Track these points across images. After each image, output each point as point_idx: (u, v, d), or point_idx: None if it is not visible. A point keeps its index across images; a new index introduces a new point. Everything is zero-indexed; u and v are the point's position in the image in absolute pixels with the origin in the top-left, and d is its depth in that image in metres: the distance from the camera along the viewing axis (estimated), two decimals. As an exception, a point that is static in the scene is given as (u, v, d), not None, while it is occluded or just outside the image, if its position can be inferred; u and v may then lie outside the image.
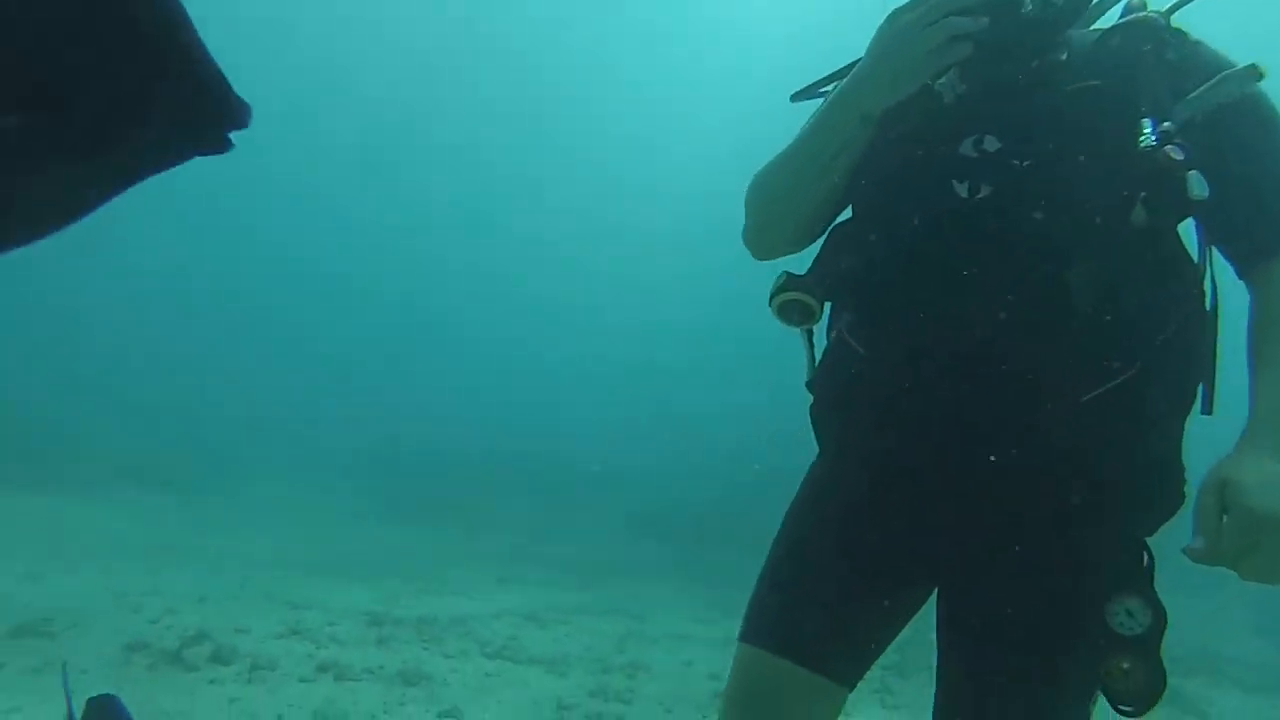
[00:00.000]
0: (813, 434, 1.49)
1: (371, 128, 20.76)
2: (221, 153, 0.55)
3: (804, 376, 1.49)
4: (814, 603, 1.38)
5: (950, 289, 1.22)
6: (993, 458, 1.22)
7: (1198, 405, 1.25)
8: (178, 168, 0.57)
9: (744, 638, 1.43)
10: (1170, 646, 1.31)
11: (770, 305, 1.31)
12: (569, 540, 8.13)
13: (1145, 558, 1.24)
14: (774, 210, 1.45)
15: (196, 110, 0.53)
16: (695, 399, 14.80)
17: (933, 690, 1.35)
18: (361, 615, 4.43)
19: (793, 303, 1.30)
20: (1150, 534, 1.29)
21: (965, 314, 1.21)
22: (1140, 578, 1.22)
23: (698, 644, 5.01)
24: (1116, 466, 1.23)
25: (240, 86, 0.55)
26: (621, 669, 4.27)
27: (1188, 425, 1.29)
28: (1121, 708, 1.19)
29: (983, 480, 1.24)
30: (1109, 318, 1.16)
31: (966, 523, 1.29)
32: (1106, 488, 1.24)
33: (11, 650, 3.37)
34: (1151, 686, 1.18)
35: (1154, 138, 1.11)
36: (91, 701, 1.08)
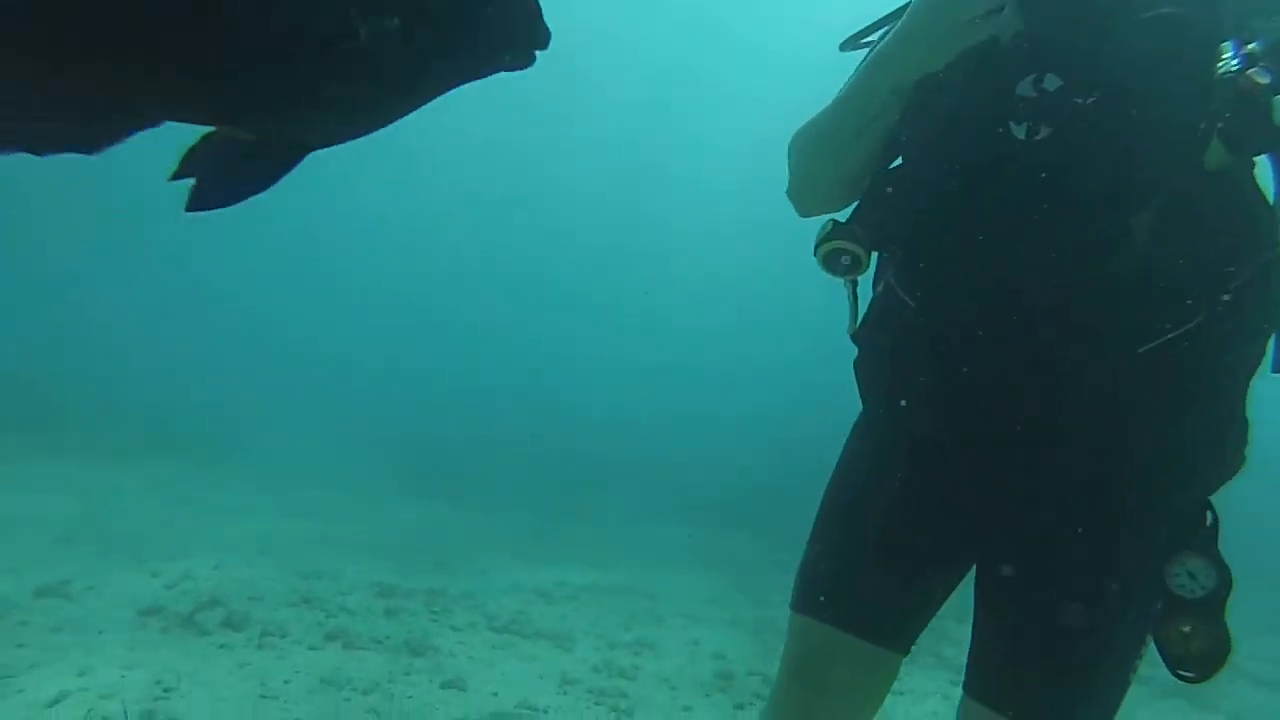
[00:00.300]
0: (857, 390, 1.46)
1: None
2: (525, 68, 0.62)
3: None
4: (866, 571, 1.37)
5: (1005, 236, 1.16)
6: (1048, 411, 1.17)
7: (1268, 362, 1.18)
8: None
9: (797, 607, 1.43)
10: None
11: (815, 254, 1.28)
12: (586, 522, 8.18)
13: (1209, 517, 1.20)
14: (812, 169, 1.41)
15: (517, 29, 0.61)
16: (716, 393, 14.80)
17: (936, 676, 1.36)
18: (373, 586, 4.50)
19: (838, 252, 1.26)
20: (1210, 493, 1.23)
21: (1021, 262, 1.15)
22: (1203, 537, 1.17)
23: (707, 624, 5.03)
24: (1177, 422, 1.16)
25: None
26: (628, 646, 4.30)
27: (1256, 383, 1.22)
28: (1181, 673, 1.15)
29: (1038, 435, 1.19)
30: (1174, 265, 1.09)
31: (1021, 480, 1.25)
32: (1167, 444, 1.18)
33: (34, 609, 3.47)
34: (1214, 651, 1.13)
35: (1236, 62, 1.00)
36: None
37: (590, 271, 20.64)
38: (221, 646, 3.31)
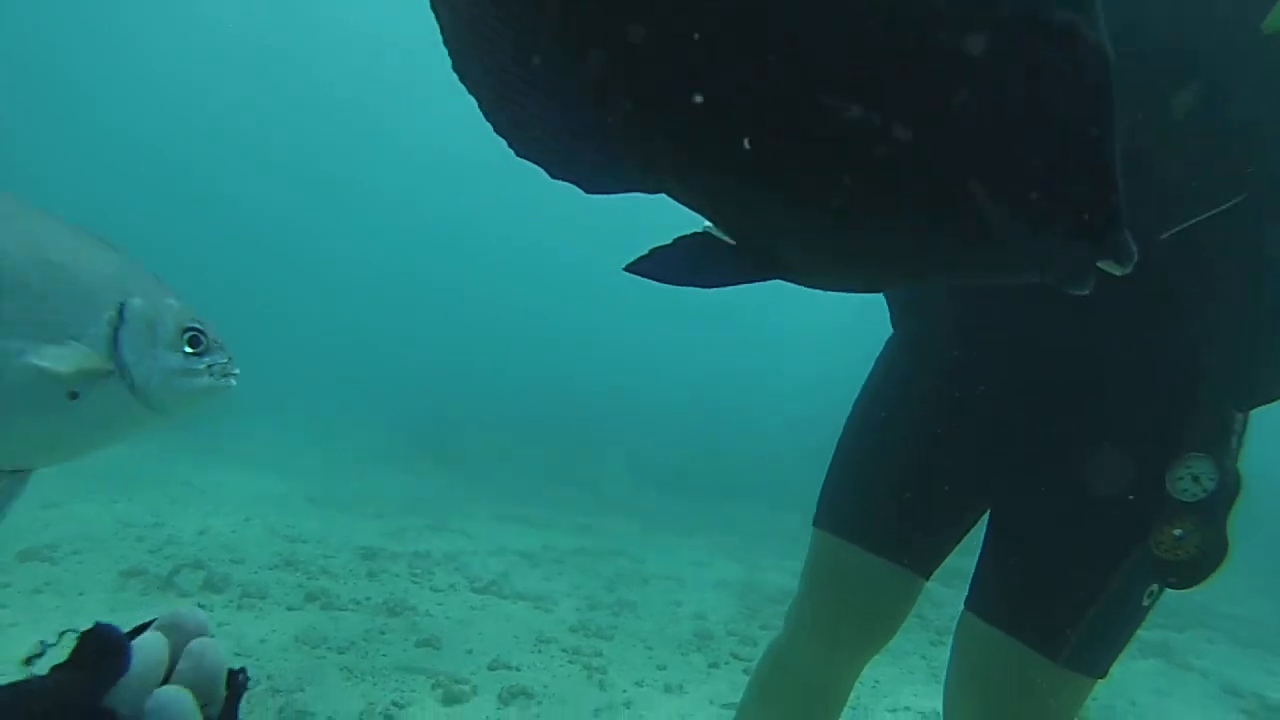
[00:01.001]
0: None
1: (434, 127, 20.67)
2: (1079, 290, 0.50)
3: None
4: (889, 491, 1.40)
5: None
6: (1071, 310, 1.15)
7: None
8: None
9: (819, 523, 1.49)
10: (1167, 602, 1.28)
11: None
12: (578, 489, 8.24)
13: (1236, 421, 1.14)
14: None
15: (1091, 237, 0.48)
16: (713, 361, 14.80)
17: (917, 637, 1.40)
18: (357, 550, 4.55)
19: None
20: (1243, 406, 1.16)
21: None
22: (1217, 440, 1.12)
23: (690, 586, 5.08)
24: (1209, 313, 1.10)
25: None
26: (609, 607, 4.35)
27: None
28: (1168, 579, 1.13)
29: (1061, 325, 1.16)
30: (1213, 133, 1.02)
31: (1044, 376, 1.24)
32: (1197, 340, 1.12)
33: (17, 571, 3.53)
34: (1206, 554, 1.09)
35: None
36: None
37: (581, 242, 20.57)
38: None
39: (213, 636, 0.47)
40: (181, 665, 0.45)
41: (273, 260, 19.00)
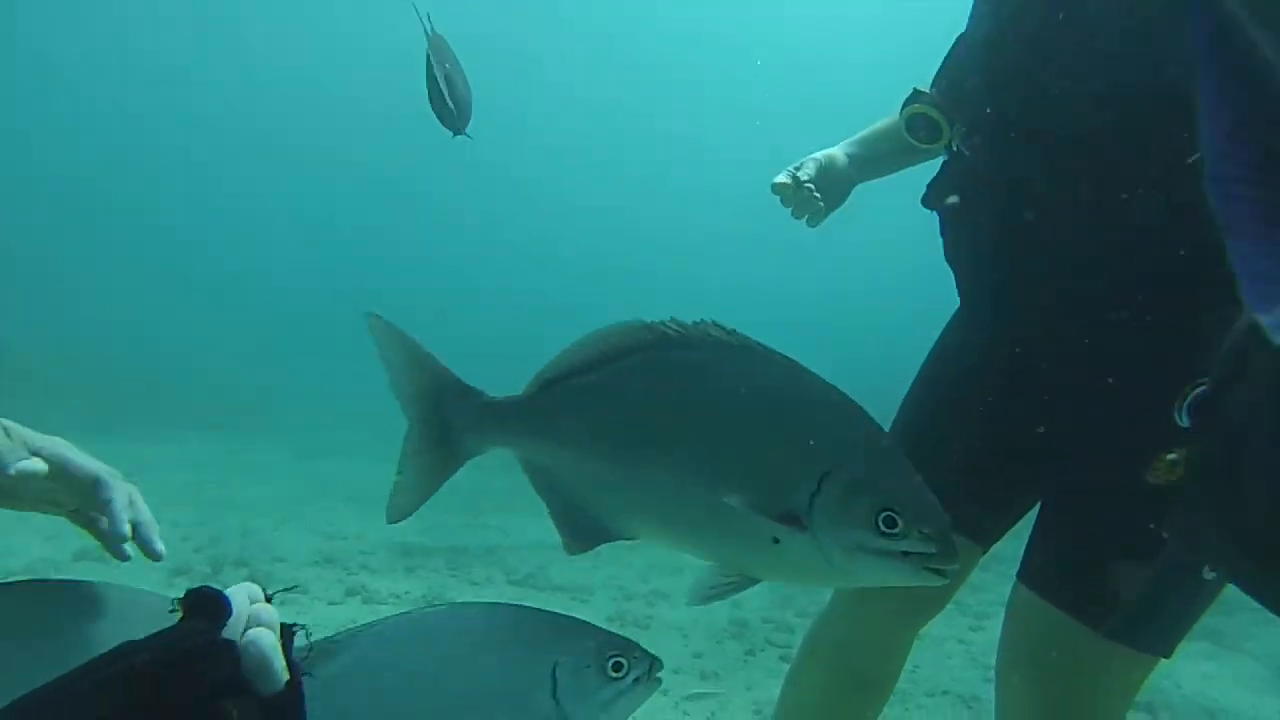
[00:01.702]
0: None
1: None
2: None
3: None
4: (953, 470, 1.37)
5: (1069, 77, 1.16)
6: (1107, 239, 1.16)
7: None
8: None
9: None
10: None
11: (900, 117, 1.39)
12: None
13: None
14: None
15: None
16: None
17: (956, 622, 1.41)
18: (395, 546, 4.63)
19: (919, 116, 1.34)
20: None
21: (1081, 94, 1.14)
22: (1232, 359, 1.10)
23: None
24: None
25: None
26: (643, 597, 4.38)
27: None
28: (1170, 521, 1.06)
29: (1117, 299, 1.17)
30: None
31: (1102, 353, 1.23)
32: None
33: (72, 571, 3.65)
34: (1195, 475, 1.05)
35: None
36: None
37: (588, 224, 20.55)
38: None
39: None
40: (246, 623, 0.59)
41: (287, 252, 19.26)
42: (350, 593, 3.70)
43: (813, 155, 1.64)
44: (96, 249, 15.57)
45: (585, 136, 20.64)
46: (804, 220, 1.51)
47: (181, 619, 0.57)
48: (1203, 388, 1.05)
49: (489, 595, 4.01)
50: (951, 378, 1.47)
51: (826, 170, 1.57)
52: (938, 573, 0.88)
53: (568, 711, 0.89)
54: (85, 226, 16.43)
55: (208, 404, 8.72)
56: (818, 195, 1.45)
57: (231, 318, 14.22)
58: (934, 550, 0.87)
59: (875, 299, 17.96)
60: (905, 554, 0.87)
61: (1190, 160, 1.07)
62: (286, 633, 0.60)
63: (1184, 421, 1.03)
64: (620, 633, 3.59)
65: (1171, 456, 1.03)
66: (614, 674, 0.93)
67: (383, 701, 0.84)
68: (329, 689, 0.81)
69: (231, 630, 0.56)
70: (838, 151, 1.63)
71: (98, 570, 3.72)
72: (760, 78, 18.74)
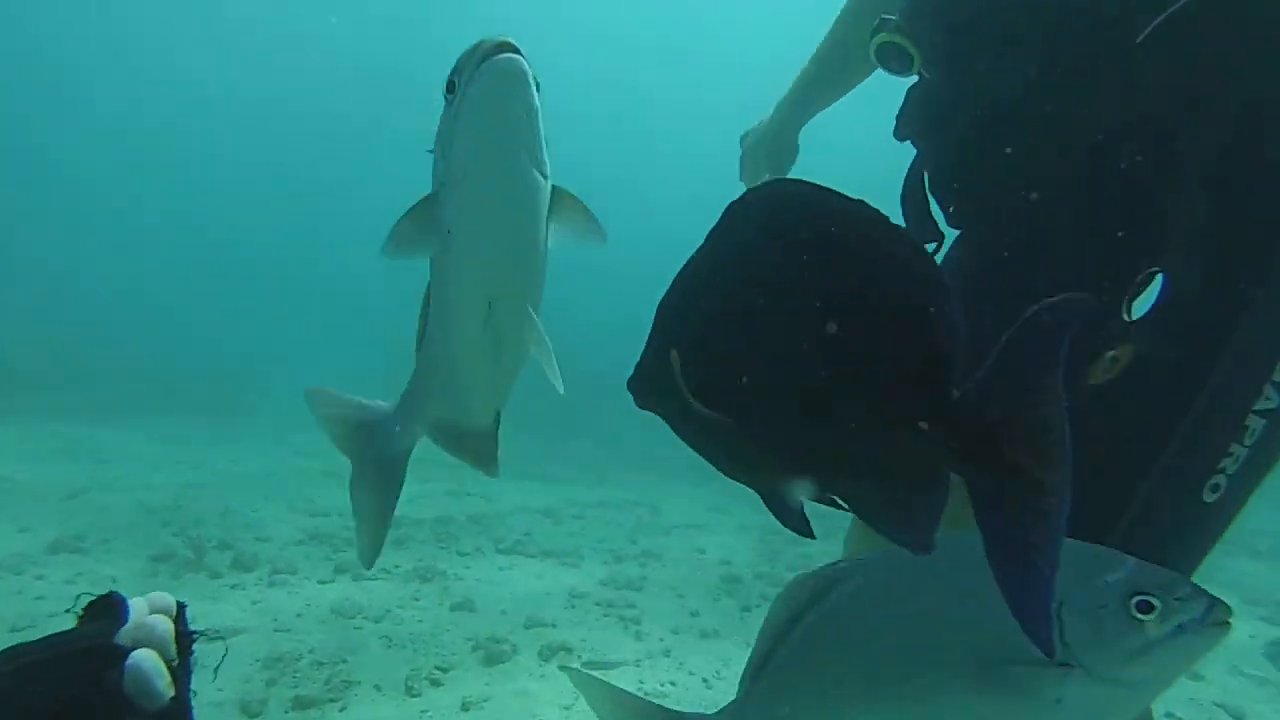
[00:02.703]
0: None
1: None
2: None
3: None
4: None
5: None
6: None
7: None
8: None
9: None
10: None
11: (868, 49, 1.34)
12: (594, 441, 8.26)
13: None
14: None
15: None
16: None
17: None
18: (381, 519, 4.57)
19: (888, 46, 1.30)
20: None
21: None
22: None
23: (711, 532, 5.13)
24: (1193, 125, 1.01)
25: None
26: (634, 558, 4.39)
27: None
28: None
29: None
30: None
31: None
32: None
33: (49, 564, 3.54)
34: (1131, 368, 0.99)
35: None
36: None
37: (588, 185, 20.32)
38: (233, 587, 3.38)
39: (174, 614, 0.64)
40: (136, 634, 0.61)
41: (262, 229, 18.81)
42: (340, 570, 3.64)
43: (755, 145, 1.66)
44: (68, 230, 15.04)
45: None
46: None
47: (80, 623, 0.60)
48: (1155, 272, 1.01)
49: (480, 564, 3.99)
50: None
51: (776, 151, 1.63)
52: (1223, 623, 0.79)
53: (1082, 660, 0.76)
54: (61, 209, 15.86)
55: (181, 384, 8.52)
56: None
57: (204, 292, 13.87)
58: (1203, 605, 0.78)
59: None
60: (1179, 628, 0.77)
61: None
62: (183, 640, 0.63)
63: (1129, 315, 1.01)
64: (616, 595, 3.57)
65: (1111, 354, 1.00)
66: (1141, 615, 0.77)
67: (879, 633, 0.84)
68: (834, 616, 0.84)
69: (126, 636, 0.59)
70: (773, 124, 1.66)
71: (75, 561, 3.63)
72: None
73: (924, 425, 0.57)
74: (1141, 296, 1.04)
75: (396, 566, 3.78)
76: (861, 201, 0.59)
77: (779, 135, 1.71)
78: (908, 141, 1.42)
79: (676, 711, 1.02)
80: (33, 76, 17.85)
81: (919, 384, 0.57)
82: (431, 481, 5.83)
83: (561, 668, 1.03)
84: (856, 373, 0.58)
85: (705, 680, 2.99)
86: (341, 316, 14.04)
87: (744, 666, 1.01)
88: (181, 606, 0.65)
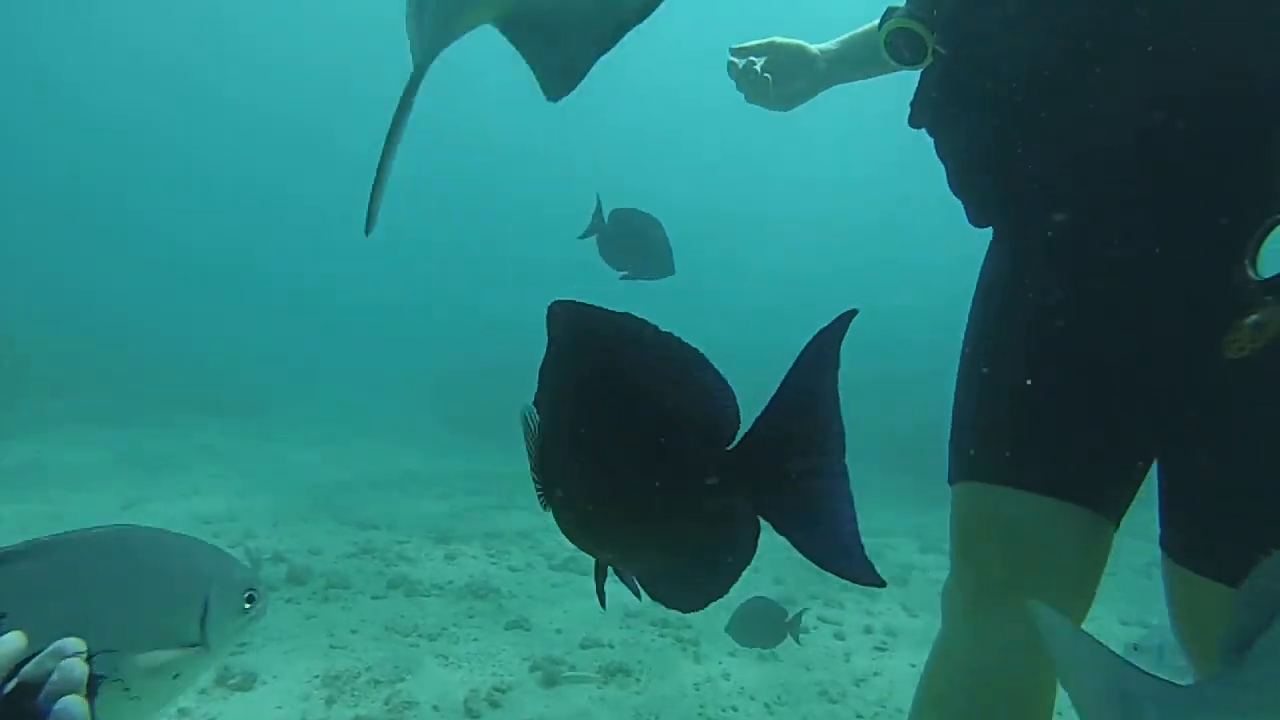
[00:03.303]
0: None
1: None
2: None
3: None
4: (1066, 427, 1.17)
5: None
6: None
7: None
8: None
9: (967, 475, 1.23)
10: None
11: (879, 37, 1.24)
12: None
13: None
14: None
15: None
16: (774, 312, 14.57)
17: None
18: (429, 533, 4.54)
19: (899, 32, 1.20)
20: None
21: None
22: None
23: (763, 550, 4.98)
24: None
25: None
26: (686, 577, 4.30)
27: None
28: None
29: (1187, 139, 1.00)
30: None
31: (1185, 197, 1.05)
32: None
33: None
34: None
35: None
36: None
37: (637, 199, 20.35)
38: (288, 601, 3.36)
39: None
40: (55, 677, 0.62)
41: (311, 239, 19.13)
42: (392, 585, 3.61)
43: (774, 38, 1.54)
44: (109, 245, 15.42)
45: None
46: (766, 106, 1.52)
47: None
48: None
49: (532, 580, 3.93)
50: (1014, 318, 1.24)
51: (785, 54, 1.52)
52: None
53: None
54: (100, 226, 16.29)
55: (224, 392, 8.63)
56: (767, 75, 1.47)
57: (251, 303, 14.10)
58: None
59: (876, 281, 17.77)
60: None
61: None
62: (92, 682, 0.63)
63: (1256, 272, 0.89)
64: (671, 615, 3.49)
65: (1253, 318, 0.89)
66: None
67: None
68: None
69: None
70: (810, 45, 1.54)
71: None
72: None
73: (713, 480, 0.69)
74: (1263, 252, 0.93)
75: (450, 582, 3.74)
76: (633, 318, 0.70)
77: (807, 74, 1.53)
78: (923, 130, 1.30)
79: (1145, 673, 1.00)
80: (22, 78, 18.22)
81: (699, 451, 0.69)
82: (478, 494, 5.80)
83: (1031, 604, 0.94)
84: (649, 456, 0.69)
85: (768, 705, 2.89)
86: (386, 328, 14.15)
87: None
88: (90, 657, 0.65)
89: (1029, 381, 1.20)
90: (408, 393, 10.05)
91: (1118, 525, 1.21)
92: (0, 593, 0.91)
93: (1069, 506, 1.16)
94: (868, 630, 3.77)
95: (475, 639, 3.14)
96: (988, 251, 1.35)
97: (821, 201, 19.30)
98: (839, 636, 3.69)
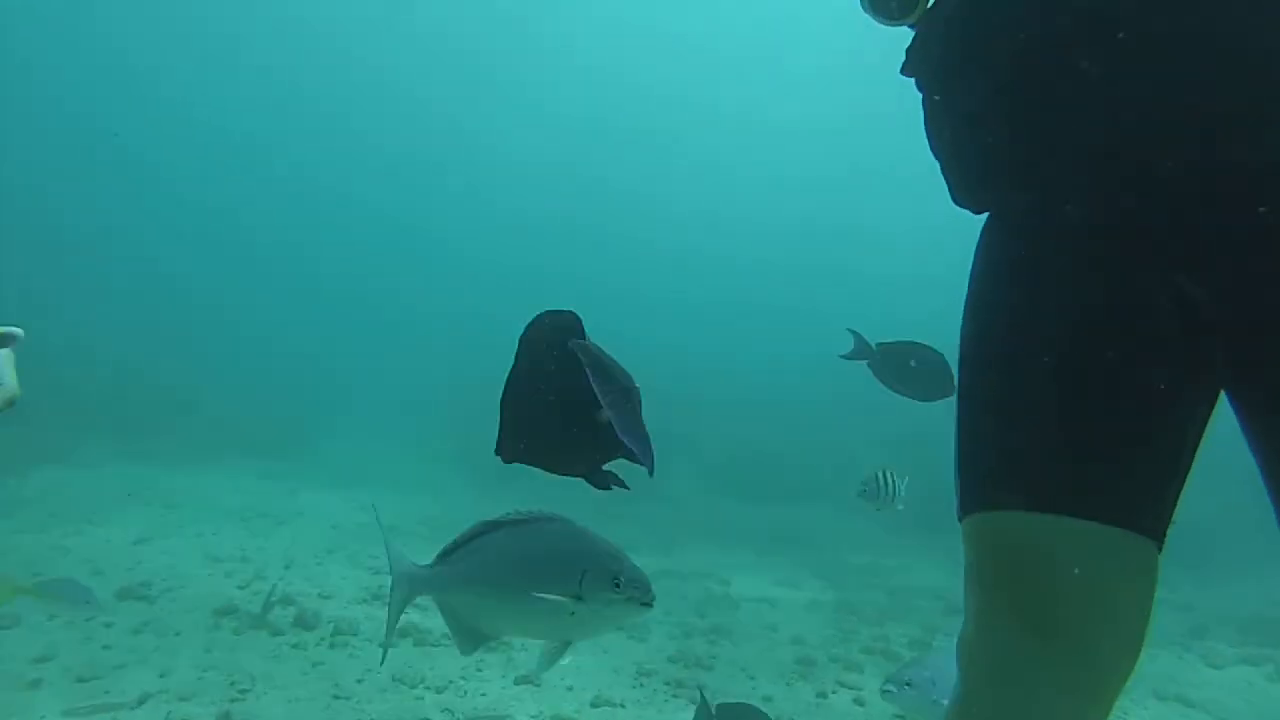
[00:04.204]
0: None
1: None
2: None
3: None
4: (1074, 427, 0.99)
5: None
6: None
7: None
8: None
9: (985, 503, 1.02)
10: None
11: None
12: (654, 500, 8.07)
13: None
14: None
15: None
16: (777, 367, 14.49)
17: None
18: (442, 579, 4.46)
19: None
20: None
21: None
22: None
23: (782, 608, 4.87)
24: None
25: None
26: (703, 634, 4.18)
27: None
28: None
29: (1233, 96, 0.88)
30: None
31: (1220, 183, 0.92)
32: None
33: (117, 610, 3.52)
34: None
35: None
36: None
37: (622, 250, 20.48)
38: (294, 646, 3.29)
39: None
40: None
41: (324, 281, 19.38)
42: (402, 633, 3.53)
43: None
44: (139, 277, 15.73)
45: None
46: None
47: None
48: None
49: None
50: (1022, 300, 1.06)
51: None
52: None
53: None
54: (123, 266, 16.63)
55: (247, 428, 8.66)
56: None
57: (276, 341, 14.25)
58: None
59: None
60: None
61: None
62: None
63: None
64: (685, 674, 3.45)
65: None
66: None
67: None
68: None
69: None
70: None
71: (141, 610, 3.59)
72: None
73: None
74: None
75: (459, 632, 3.65)
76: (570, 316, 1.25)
77: None
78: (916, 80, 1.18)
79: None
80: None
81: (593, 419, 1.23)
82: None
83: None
84: (572, 421, 1.24)
85: (785, 776, 2.76)
86: (407, 375, 14.20)
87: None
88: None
89: (1074, 380, 0.99)
90: (428, 437, 10.03)
91: (1162, 544, 1.00)
92: (485, 545, 1.54)
93: (1124, 533, 0.96)
94: (890, 697, 3.62)
95: (483, 693, 3.05)
96: (984, 239, 1.15)
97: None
98: (859, 702, 3.54)
